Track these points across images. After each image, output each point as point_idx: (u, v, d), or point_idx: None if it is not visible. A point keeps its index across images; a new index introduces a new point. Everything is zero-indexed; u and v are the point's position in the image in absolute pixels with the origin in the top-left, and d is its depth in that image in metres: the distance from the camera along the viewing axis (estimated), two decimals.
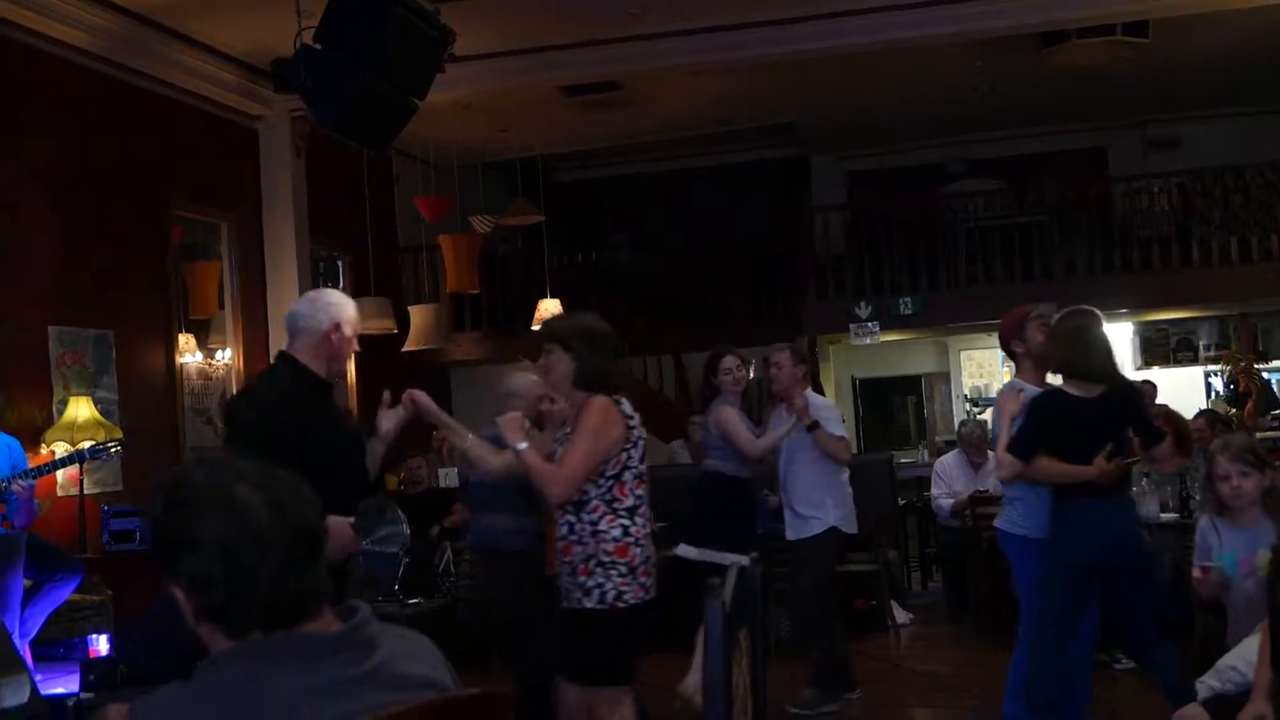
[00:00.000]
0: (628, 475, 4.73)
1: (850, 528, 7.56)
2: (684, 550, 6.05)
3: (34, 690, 4.65)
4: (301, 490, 2.03)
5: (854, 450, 15.68)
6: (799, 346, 9.04)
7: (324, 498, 2.08)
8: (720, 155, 17.06)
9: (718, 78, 12.84)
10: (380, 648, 2.01)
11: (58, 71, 9.83)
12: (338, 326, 4.51)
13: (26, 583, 6.79)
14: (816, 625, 7.51)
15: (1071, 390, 5.73)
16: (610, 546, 4.64)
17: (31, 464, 7.34)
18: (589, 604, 4.63)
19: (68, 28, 9.71)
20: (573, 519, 4.70)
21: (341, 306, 4.59)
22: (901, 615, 10.20)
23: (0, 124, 9.26)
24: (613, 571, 4.62)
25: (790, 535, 7.52)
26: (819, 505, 7.41)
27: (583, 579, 4.64)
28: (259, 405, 4.54)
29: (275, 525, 1.95)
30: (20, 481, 6.88)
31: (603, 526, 4.66)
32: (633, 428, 4.78)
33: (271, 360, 5.40)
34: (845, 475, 7.58)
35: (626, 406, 4.82)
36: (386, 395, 4.90)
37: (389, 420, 4.84)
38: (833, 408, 7.84)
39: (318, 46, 7.11)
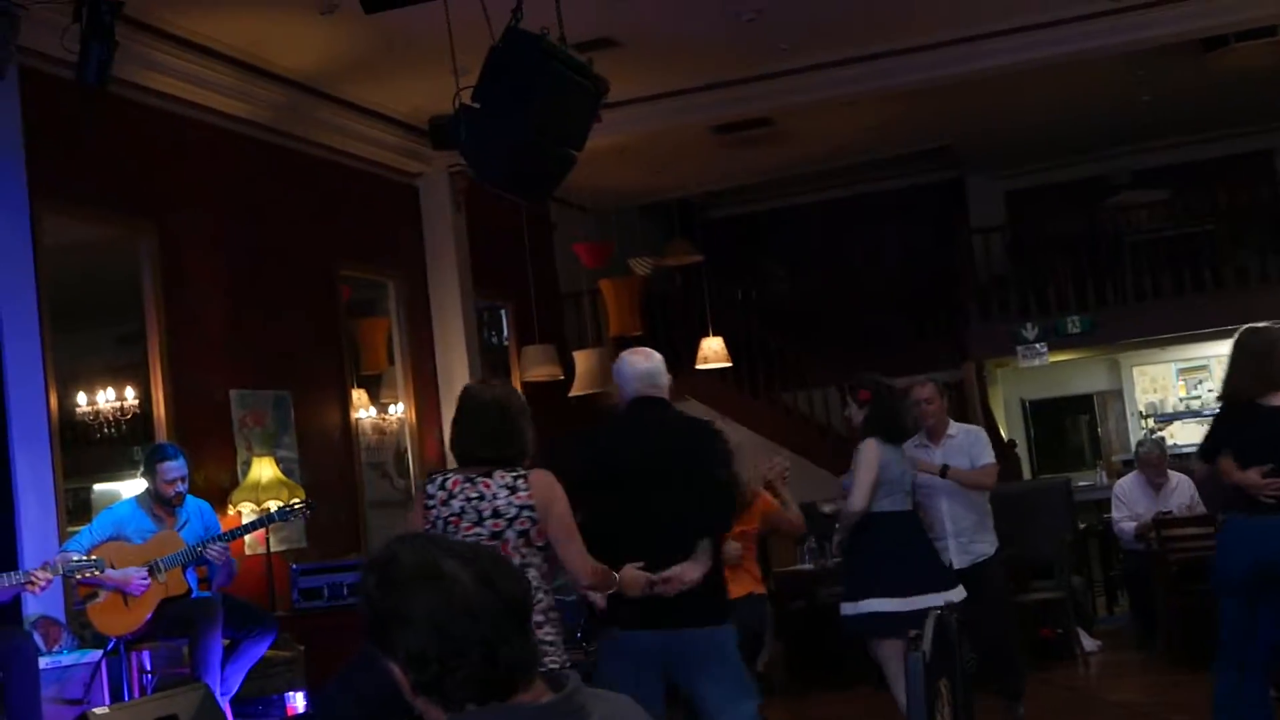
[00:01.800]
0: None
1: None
2: (878, 604, 6.08)
3: None
4: (505, 563, 2.07)
5: (1028, 474, 15.57)
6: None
7: None
8: (874, 182, 16.96)
9: (868, 107, 12.78)
10: (592, 714, 2.04)
11: (224, 143, 10.16)
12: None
13: (225, 641, 7.00)
14: (999, 646, 7.38)
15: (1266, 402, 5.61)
16: None
17: (222, 526, 7.59)
18: None
19: (232, 100, 10.05)
20: None
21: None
22: (1089, 643, 9.98)
23: (173, 197, 9.60)
24: None
25: (959, 564, 7.34)
26: (986, 529, 7.38)
27: None
28: None
29: (484, 599, 2.00)
30: (215, 546, 7.12)
31: None
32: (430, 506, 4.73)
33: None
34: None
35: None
36: None
37: None
38: (979, 432, 7.69)
39: (476, 105, 7.22)
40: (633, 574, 4.86)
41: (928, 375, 7.94)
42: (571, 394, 13.22)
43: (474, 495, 4.63)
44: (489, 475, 4.66)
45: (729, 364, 13.85)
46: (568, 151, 7.57)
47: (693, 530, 5.08)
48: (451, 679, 1.99)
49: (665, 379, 5.42)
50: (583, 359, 13.35)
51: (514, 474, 4.66)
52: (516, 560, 4.59)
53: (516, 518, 4.61)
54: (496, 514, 4.61)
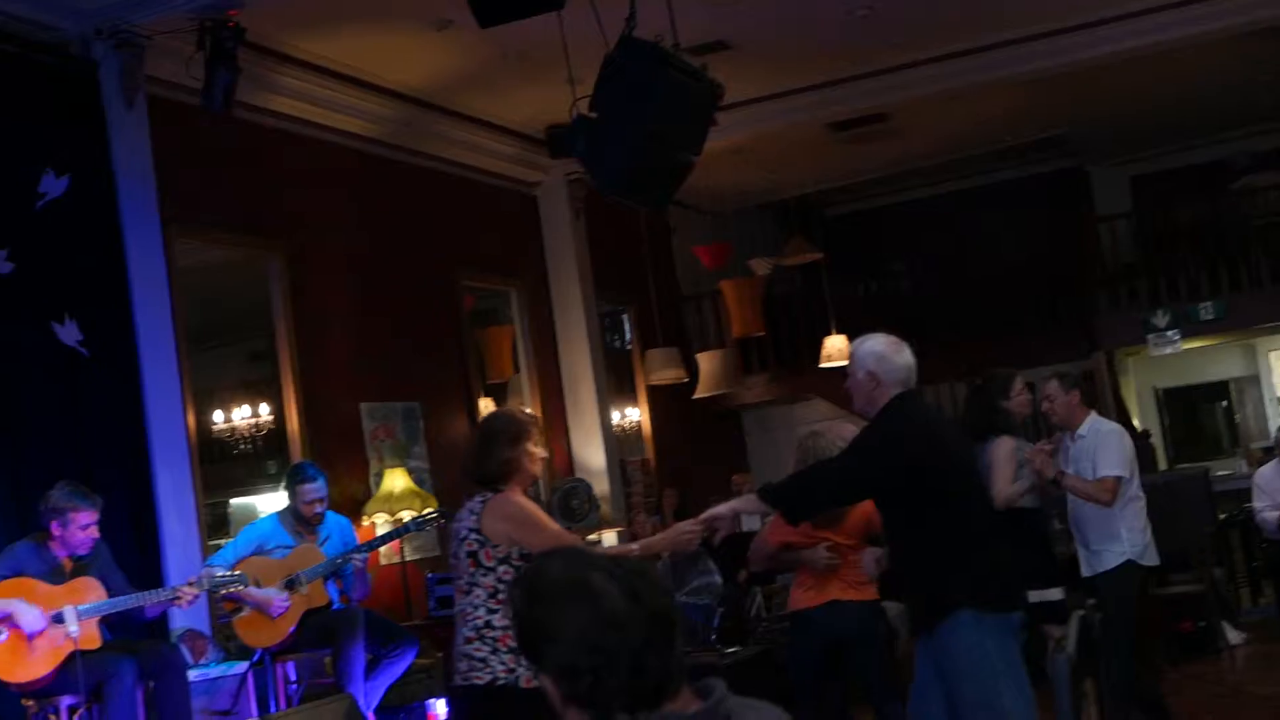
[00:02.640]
0: None
1: (1150, 559, 6.97)
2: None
3: None
4: (652, 575, 2.10)
5: (1164, 464, 15.25)
6: (1074, 372, 8.67)
7: None
8: (994, 174, 16.76)
9: (984, 98, 12.64)
10: None
11: (346, 160, 10.34)
12: None
13: (367, 657, 7.12)
14: (1122, 664, 7.05)
15: None
16: None
17: (359, 538, 7.74)
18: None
19: (352, 118, 10.23)
20: None
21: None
22: (1234, 635, 9.77)
23: (298, 215, 9.79)
24: None
25: (1085, 571, 7.11)
26: (1112, 537, 6.96)
27: None
28: None
29: (631, 611, 2.02)
30: (356, 556, 7.25)
31: None
32: None
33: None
34: (1140, 504, 6.99)
35: None
36: (735, 479, 5.11)
37: None
38: (1109, 436, 7.09)
39: (593, 115, 7.26)
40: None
41: (1053, 368, 7.64)
42: (696, 396, 13.25)
43: (460, 516, 4.83)
44: (473, 497, 4.83)
45: None
46: (685, 157, 7.59)
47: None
48: (601, 690, 2.02)
49: (907, 374, 5.08)
50: (706, 361, 13.37)
51: (481, 498, 4.78)
52: (464, 579, 4.74)
53: (465, 539, 4.73)
54: (457, 535, 4.78)
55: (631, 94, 7.06)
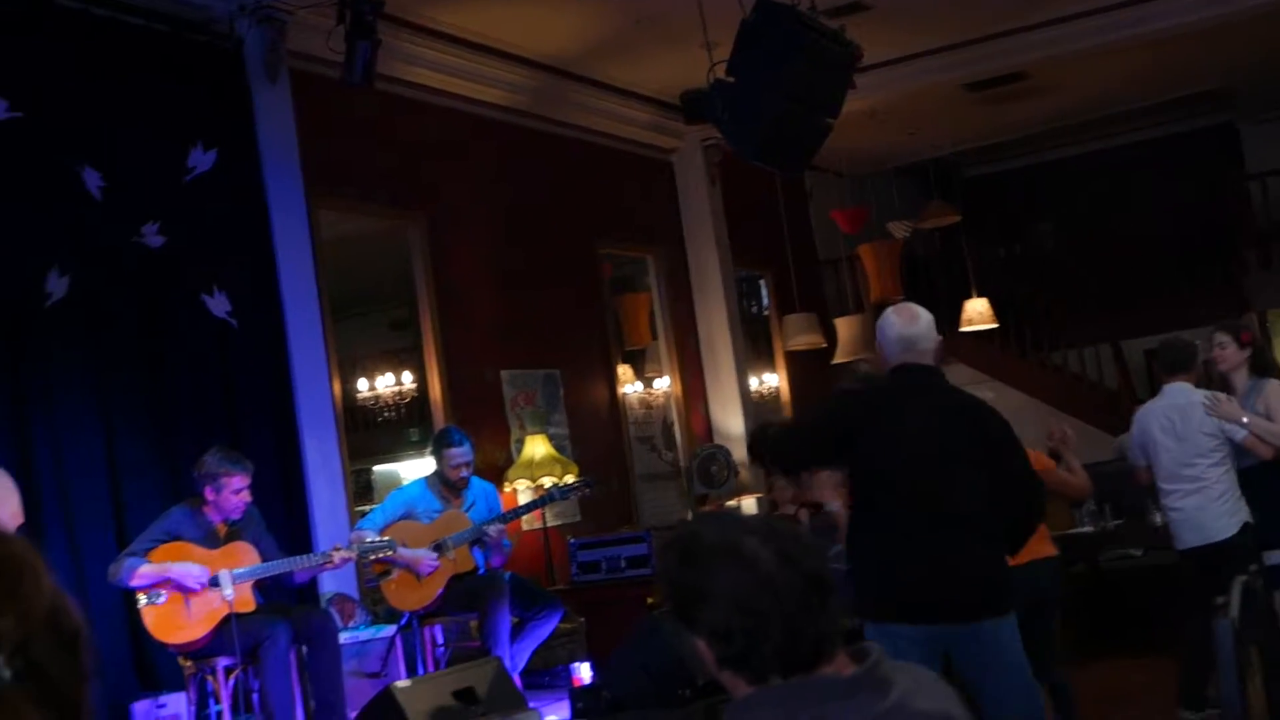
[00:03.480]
0: None
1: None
2: None
3: None
4: (805, 539, 2.10)
5: None
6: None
7: None
8: (1135, 132, 16.36)
9: (1127, 54, 12.33)
10: (895, 686, 2.04)
11: (484, 130, 10.43)
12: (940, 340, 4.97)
13: (513, 620, 7.21)
14: None
15: None
16: None
17: (503, 505, 7.85)
18: None
19: (489, 88, 10.31)
20: None
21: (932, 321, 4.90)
22: None
23: (438, 185, 9.91)
24: None
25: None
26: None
27: None
28: None
29: (785, 575, 2.03)
30: (493, 525, 7.34)
31: None
32: None
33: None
34: None
35: None
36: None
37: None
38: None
39: (730, 79, 7.25)
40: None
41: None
42: (834, 362, 13.17)
43: None
44: None
45: (994, 325, 13.59)
46: (823, 120, 7.55)
47: (995, 525, 4.71)
48: (756, 653, 2.03)
49: (931, 343, 4.81)
50: (844, 326, 13.28)
51: None
52: None
53: None
54: None
55: (769, 58, 7.03)
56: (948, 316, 13.78)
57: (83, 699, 1.42)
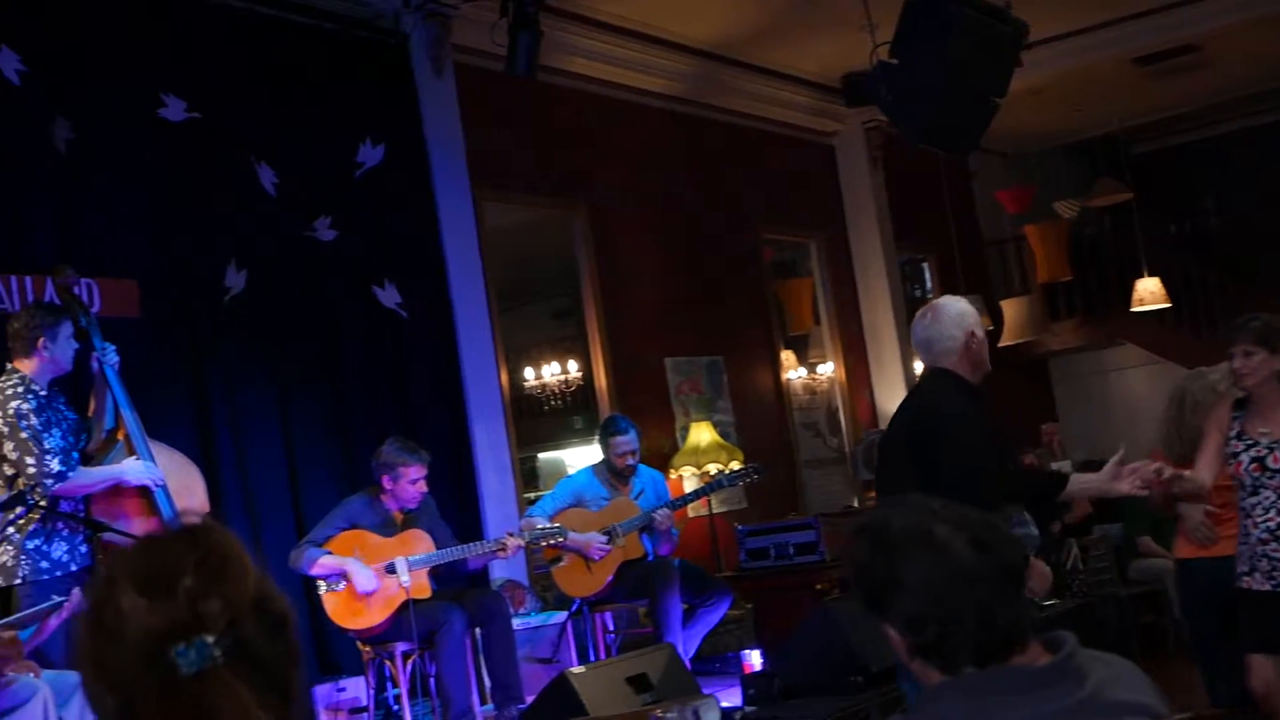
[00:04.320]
0: None
1: None
2: None
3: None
4: (999, 528, 2.07)
5: None
6: None
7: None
8: None
9: None
10: (1090, 676, 2.01)
11: (644, 118, 10.47)
12: (972, 334, 4.50)
13: (683, 606, 7.23)
14: None
15: None
16: None
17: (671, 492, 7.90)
18: None
19: (650, 76, 10.35)
20: None
21: (965, 314, 4.55)
22: None
23: (600, 174, 9.98)
24: None
25: None
26: None
27: None
28: (968, 424, 4.42)
29: (978, 563, 2.00)
30: (661, 511, 7.37)
31: None
32: None
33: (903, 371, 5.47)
34: None
35: None
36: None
37: (1127, 483, 4.65)
38: None
39: (894, 61, 7.18)
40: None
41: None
42: (1001, 344, 12.96)
43: None
44: None
45: (1167, 305, 13.25)
46: (990, 99, 7.44)
47: None
48: (948, 642, 2.01)
49: (949, 343, 4.48)
50: (1011, 308, 13.09)
51: None
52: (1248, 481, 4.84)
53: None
54: None
55: (934, 38, 6.95)
56: (1118, 296, 13.50)
57: (292, 679, 1.48)
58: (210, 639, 1.39)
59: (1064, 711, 1.96)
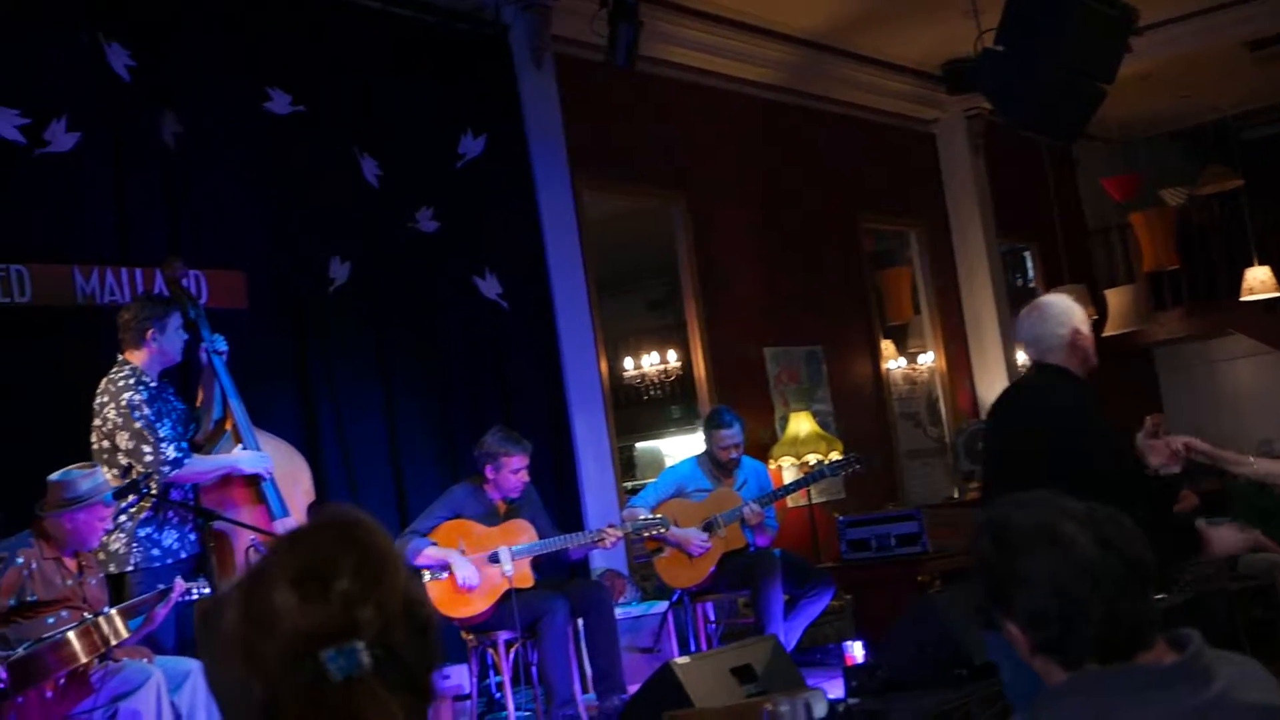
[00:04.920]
0: None
1: None
2: None
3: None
4: (1125, 523, 2.03)
5: None
6: None
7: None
8: None
9: None
10: (1217, 676, 1.96)
11: (743, 107, 10.44)
12: (1077, 330, 4.44)
13: (785, 597, 7.20)
14: None
15: None
16: None
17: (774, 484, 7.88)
18: None
19: (749, 65, 10.32)
20: None
21: (1070, 311, 4.49)
22: None
23: (699, 164, 9.95)
24: None
25: None
26: None
27: None
28: (1091, 419, 4.37)
29: (1104, 559, 1.97)
30: (749, 507, 7.32)
31: None
32: None
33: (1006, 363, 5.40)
34: None
35: None
36: (1149, 421, 4.70)
37: (1157, 456, 4.56)
38: None
39: (999, 48, 7.08)
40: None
41: None
42: (1104, 334, 12.76)
43: None
44: None
45: (1277, 294, 12.96)
46: (1097, 86, 7.31)
47: None
48: (1072, 639, 1.97)
49: (1054, 340, 4.45)
50: (1115, 297, 12.88)
51: None
52: None
53: None
54: None
55: (1041, 24, 6.85)
56: (1227, 285, 13.24)
57: (431, 683, 1.48)
58: (361, 645, 1.39)
59: (1191, 712, 1.92)
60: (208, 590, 5.23)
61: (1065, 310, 4.49)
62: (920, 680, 5.75)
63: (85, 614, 5.08)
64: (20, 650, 4.85)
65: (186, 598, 5.28)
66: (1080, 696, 1.96)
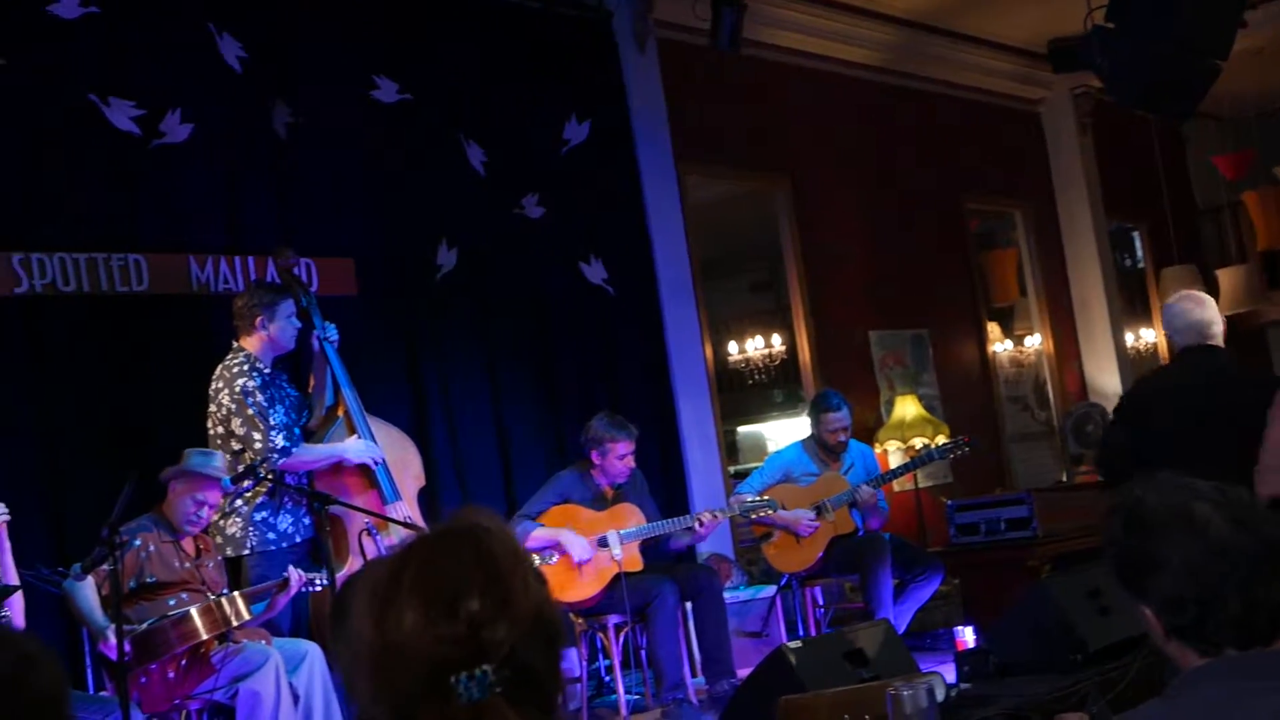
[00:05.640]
0: None
1: None
2: None
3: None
4: (1257, 504, 2.00)
5: None
6: None
7: None
8: None
9: None
10: None
11: (846, 89, 10.36)
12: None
13: (894, 581, 7.16)
14: None
15: None
16: None
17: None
18: None
19: (852, 47, 10.25)
20: None
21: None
22: None
23: (803, 147, 9.90)
24: None
25: None
26: None
27: None
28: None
29: (1240, 541, 1.94)
30: (864, 489, 7.28)
31: None
32: None
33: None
34: None
35: None
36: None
37: None
38: None
39: (1110, 25, 6.97)
40: None
41: None
42: None
43: None
44: None
45: None
46: (1211, 62, 7.17)
47: None
48: (1209, 623, 1.95)
49: (1218, 327, 5.13)
50: (1227, 277, 12.66)
51: None
52: None
53: None
54: None
55: (1152, 1, 6.73)
56: None
57: (559, 696, 1.48)
58: (490, 668, 1.39)
59: None
60: (326, 582, 5.32)
61: (1213, 301, 5.17)
62: (1034, 665, 5.70)
63: (207, 594, 5.20)
64: (144, 626, 4.97)
65: (309, 589, 5.38)
66: (1218, 682, 1.94)
